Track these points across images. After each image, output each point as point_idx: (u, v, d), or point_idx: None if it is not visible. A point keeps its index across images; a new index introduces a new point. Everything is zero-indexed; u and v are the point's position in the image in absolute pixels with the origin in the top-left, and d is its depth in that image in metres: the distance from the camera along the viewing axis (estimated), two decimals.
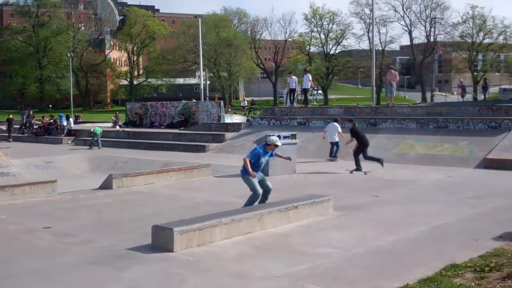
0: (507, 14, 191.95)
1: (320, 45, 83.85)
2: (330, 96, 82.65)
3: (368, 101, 55.06)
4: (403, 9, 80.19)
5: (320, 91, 76.85)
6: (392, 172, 17.93)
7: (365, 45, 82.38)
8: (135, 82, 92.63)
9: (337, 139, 21.67)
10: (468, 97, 50.65)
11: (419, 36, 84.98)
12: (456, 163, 19.51)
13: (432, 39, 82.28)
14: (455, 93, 60.82)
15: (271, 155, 11.80)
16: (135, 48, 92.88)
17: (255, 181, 11.28)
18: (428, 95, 76.42)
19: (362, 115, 26.79)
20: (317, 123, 26.92)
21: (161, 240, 8.50)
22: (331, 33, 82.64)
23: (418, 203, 12.62)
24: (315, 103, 41.72)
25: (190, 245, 8.46)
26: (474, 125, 22.15)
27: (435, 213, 11.26)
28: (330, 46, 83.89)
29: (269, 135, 12.76)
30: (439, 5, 79.33)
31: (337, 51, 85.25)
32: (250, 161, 11.19)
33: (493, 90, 64.02)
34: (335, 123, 21.99)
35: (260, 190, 11.27)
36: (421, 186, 15.29)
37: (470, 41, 79.64)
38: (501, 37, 79.91)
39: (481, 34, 79.44)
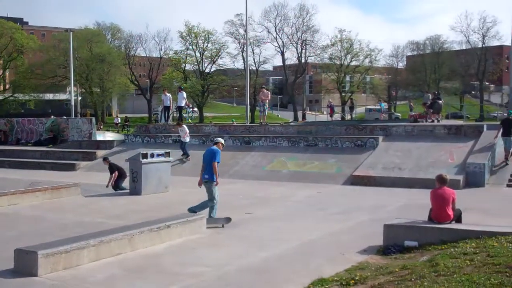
0: (372, 38, 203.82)
1: (196, 63, 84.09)
2: (206, 114, 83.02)
3: (242, 119, 55.97)
4: (276, 31, 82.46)
5: (195, 109, 76.93)
6: (265, 190, 18.26)
7: (239, 65, 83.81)
8: (0, 97, 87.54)
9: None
10: (337, 116, 52.92)
11: (291, 57, 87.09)
12: (325, 179, 20.24)
13: (303, 61, 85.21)
14: (324, 112, 63.28)
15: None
16: (1, 62, 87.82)
17: (217, 188, 12.30)
18: (299, 114, 78.97)
19: (237, 133, 27.13)
20: (192, 141, 26.88)
21: (24, 264, 8.03)
22: (206, 52, 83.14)
23: (290, 219, 12.92)
24: (190, 120, 41.62)
25: (56, 268, 8.05)
26: (341, 143, 23.17)
27: (305, 229, 11.58)
28: (206, 65, 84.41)
29: (215, 137, 14.12)
30: (309, 28, 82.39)
31: (212, 70, 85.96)
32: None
33: (359, 110, 67.41)
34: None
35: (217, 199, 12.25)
36: (292, 203, 15.68)
37: (338, 63, 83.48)
38: (367, 60, 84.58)
39: (349, 56, 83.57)
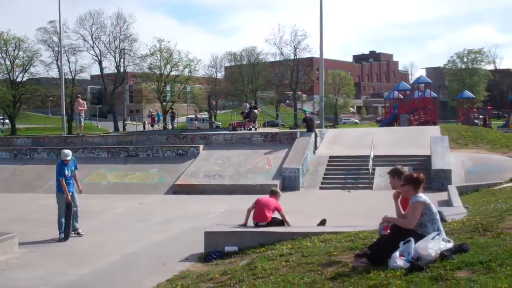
0: (191, 48, 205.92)
1: (6, 72, 78.65)
2: (19, 126, 77.99)
3: (59, 131, 53.44)
4: (92, 39, 79.77)
5: (6, 121, 71.97)
6: (84, 203, 17.52)
7: (54, 73, 79.58)
8: None
9: None
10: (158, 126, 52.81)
11: (110, 66, 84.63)
12: (147, 190, 20.04)
13: (122, 70, 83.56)
14: (146, 122, 62.75)
15: (75, 167, 12.53)
16: None
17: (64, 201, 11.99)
18: (120, 124, 77.35)
19: (52, 145, 25.88)
20: (3, 155, 25.19)
21: None
22: (17, 60, 78.15)
23: (110, 232, 12.56)
24: (0, 133, 38.80)
25: None
26: (163, 152, 23.10)
27: (126, 241, 11.31)
28: (17, 73, 79.25)
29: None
30: (127, 37, 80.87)
31: (25, 79, 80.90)
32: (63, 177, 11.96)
33: (181, 119, 67.79)
34: None
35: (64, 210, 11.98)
36: (112, 215, 15.30)
37: (158, 72, 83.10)
38: (187, 70, 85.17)
39: (168, 66, 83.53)
